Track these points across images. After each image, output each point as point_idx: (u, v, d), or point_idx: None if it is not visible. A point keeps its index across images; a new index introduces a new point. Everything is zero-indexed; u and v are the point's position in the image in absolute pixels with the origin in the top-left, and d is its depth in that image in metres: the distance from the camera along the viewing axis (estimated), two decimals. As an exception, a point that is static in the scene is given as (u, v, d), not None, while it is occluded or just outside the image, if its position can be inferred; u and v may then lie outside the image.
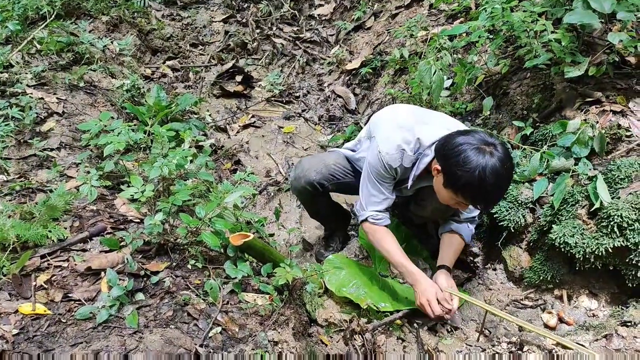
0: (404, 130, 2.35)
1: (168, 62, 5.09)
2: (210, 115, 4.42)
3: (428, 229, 3.11)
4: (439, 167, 2.19)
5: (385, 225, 2.54)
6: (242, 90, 4.84)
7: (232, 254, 2.27)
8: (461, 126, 2.41)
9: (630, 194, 2.28)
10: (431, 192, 2.37)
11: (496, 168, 2.00)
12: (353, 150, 2.75)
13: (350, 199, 3.42)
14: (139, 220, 2.53)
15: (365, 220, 2.53)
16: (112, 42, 4.51)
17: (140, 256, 2.25)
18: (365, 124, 4.13)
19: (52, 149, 3.03)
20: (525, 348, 2.22)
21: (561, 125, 2.62)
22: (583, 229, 2.36)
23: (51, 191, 2.53)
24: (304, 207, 3.10)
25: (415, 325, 2.57)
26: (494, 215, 2.68)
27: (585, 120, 2.58)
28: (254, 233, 2.34)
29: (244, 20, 5.80)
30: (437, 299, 2.39)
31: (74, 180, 2.75)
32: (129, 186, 2.29)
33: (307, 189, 2.71)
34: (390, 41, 4.66)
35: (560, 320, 2.42)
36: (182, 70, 5.04)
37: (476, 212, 2.61)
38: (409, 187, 2.47)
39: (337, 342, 2.42)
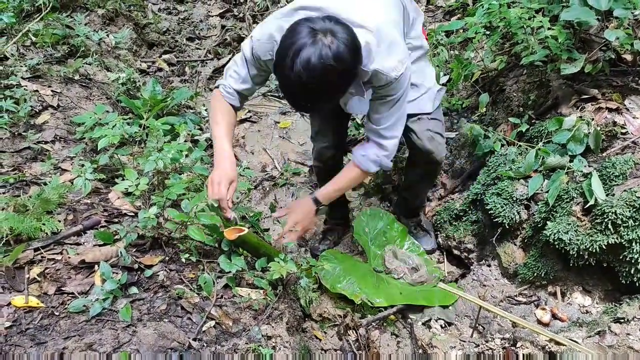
0: (285, 17, 2.01)
1: (164, 56, 5.07)
2: (206, 109, 4.40)
3: (423, 223, 3.11)
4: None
5: (231, 104, 2.30)
6: (239, 85, 4.82)
7: (227, 248, 2.26)
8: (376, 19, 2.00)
9: (624, 191, 2.28)
10: (361, 104, 2.23)
11: (309, 58, 1.70)
12: None
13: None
14: (133, 214, 2.52)
15: (218, 87, 2.30)
16: (107, 36, 4.48)
17: (134, 250, 2.25)
18: (362, 119, 4.15)
19: (46, 142, 3.01)
20: (519, 344, 2.22)
21: (557, 122, 2.62)
22: (577, 226, 2.36)
23: (45, 184, 2.51)
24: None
25: (409, 320, 2.58)
26: (489, 212, 2.69)
27: (580, 117, 2.58)
28: (249, 228, 2.34)
29: (240, 15, 5.78)
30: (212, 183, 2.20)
31: (68, 173, 2.74)
32: (123, 179, 2.28)
33: None
34: (387, 37, 4.65)
35: (554, 316, 2.43)
36: (178, 64, 5.02)
37: (383, 139, 2.30)
38: None
39: (331, 337, 2.42)
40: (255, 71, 2.22)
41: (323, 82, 1.76)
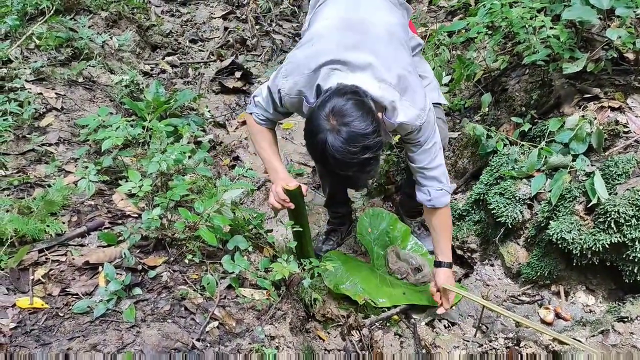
0: (312, 72, 2.03)
1: (167, 58, 5.08)
2: (209, 111, 4.42)
3: (427, 223, 3.11)
4: None
5: (268, 128, 2.37)
6: (241, 86, 4.84)
7: (231, 248, 2.28)
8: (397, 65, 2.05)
9: (627, 190, 2.28)
10: None
11: (334, 150, 1.79)
12: None
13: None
14: (136, 215, 2.53)
15: (251, 114, 2.35)
16: (111, 38, 4.50)
17: (138, 251, 2.26)
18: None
19: (50, 144, 3.03)
20: (522, 344, 2.22)
21: (558, 123, 2.61)
22: (580, 225, 2.36)
23: (49, 186, 2.53)
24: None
25: (412, 320, 2.58)
26: (492, 211, 2.69)
27: (583, 116, 2.58)
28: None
29: (243, 17, 5.80)
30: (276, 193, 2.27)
31: (72, 175, 2.75)
32: (127, 181, 2.29)
33: None
34: (389, 37, 4.65)
35: (557, 316, 2.43)
36: (181, 66, 5.04)
37: (434, 176, 2.33)
38: None
39: (335, 337, 2.42)
40: (282, 111, 2.26)
41: (364, 161, 1.84)
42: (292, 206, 2.29)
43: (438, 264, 2.50)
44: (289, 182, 2.27)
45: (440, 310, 2.48)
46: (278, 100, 2.18)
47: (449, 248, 2.51)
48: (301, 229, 2.38)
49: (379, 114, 1.95)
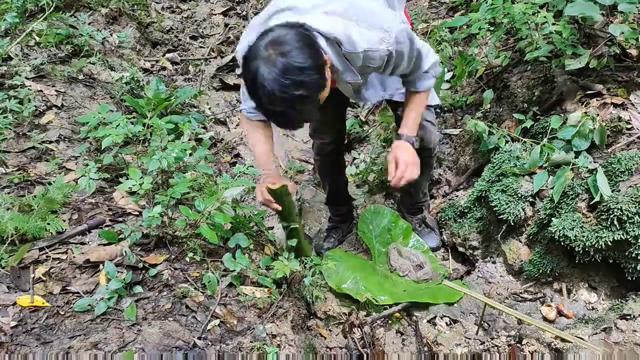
0: (262, 25, 1.93)
1: (167, 55, 5.06)
2: (209, 108, 4.40)
3: (427, 220, 3.11)
4: None
5: (260, 120, 2.34)
6: (242, 83, 4.82)
7: (232, 246, 2.27)
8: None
9: (630, 187, 2.27)
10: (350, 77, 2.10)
11: (270, 88, 1.67)
12: None
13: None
14: (137, 213, 2.53)
15: (241, 110, 2.39)
16: (111, 35, 4.49)
17: (138, 249, 2.25)
18: (365, 116, 4.14)
19: (50, 142, 3.02)
20: (525, 341, 2.22)
21: (560, 120, 2.60)
22: (583, 222, 2.35)
23: (50, 184, 2.52)
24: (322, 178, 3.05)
25: (414, 318, 2.57)
26: (494, 208, 2.68)
27: (585, 113, 2.57)
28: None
29: (243, 13, 5.78)
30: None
31: (72, 173, 2.75)
32: (127, 179, 2.29)
33: None
34: (390, 34, 4.63)
35: (560, 313, 2.42)
36: (182, 63, 5.02)
37: (424, 73, 2.20)
38: None
39: (336, 335, 2.42)
40: None
41: (296, 98, 1.70)
42: (278, 207, 2.28)
43: (398, 137, 2.28)
44: (275, 181, 2.24)
45: (392, 181, 2.24)
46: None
47: (415, 125, 2.30)
48: (293, 228, 2.36)
49: (330, 55, 1.86)
